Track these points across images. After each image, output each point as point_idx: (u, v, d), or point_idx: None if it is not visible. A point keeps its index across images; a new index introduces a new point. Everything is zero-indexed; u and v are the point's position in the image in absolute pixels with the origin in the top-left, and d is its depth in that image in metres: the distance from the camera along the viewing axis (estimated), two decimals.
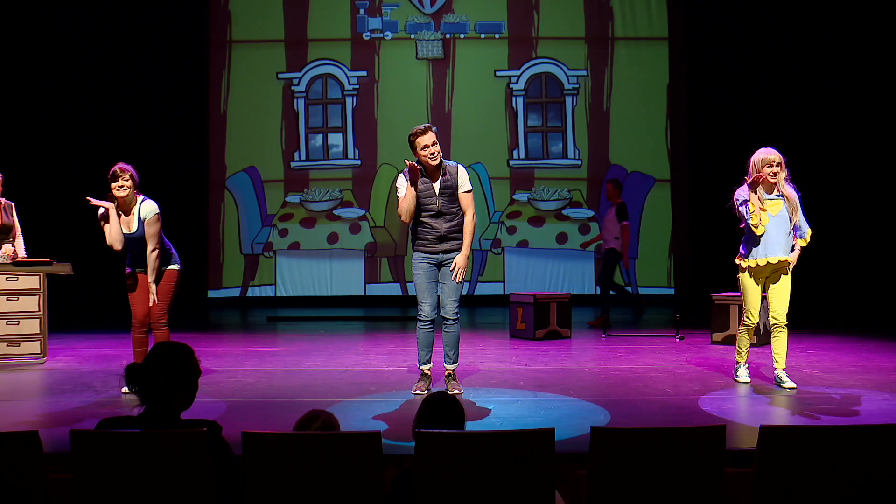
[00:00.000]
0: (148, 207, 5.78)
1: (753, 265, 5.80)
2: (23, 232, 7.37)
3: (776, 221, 5.70)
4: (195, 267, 12.34)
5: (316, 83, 12.93)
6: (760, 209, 5.65)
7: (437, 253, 5.66)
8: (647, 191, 12.75)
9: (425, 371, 5.78)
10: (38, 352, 7.16)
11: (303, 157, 12.90)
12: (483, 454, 2.81)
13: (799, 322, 9.40)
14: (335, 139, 12.96)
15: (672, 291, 12.65)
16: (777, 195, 5.73)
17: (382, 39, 12.79)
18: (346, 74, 12.90)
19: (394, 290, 12.72)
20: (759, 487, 2.89)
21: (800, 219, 5.81)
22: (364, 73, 12.88)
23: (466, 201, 5.68)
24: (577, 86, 12.87)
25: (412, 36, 12.76)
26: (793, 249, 5.85)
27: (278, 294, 12.76)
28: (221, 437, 2.95)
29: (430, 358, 5.78)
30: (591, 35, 12.85)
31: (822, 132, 11.75)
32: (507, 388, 5.91)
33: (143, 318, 5.88)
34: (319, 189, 12.85)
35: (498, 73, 12.88)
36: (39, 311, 7.16)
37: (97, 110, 12.05)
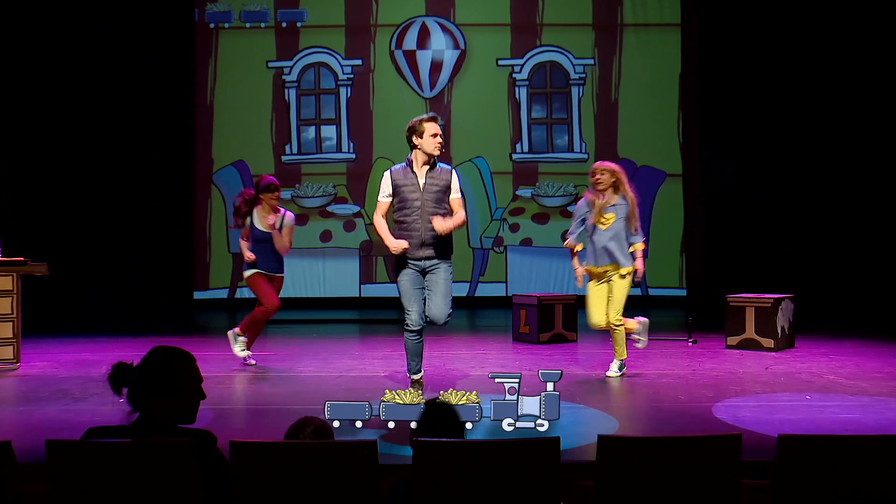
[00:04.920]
0: (290, 216, 7.62)
1: (586, 271, 6.61)
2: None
3: (605, 234, 6.40)
4: (180, 267, 12.36)
5: (308, 72, 12.91)
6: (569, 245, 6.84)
7: (419, 260, 5.71)
8: (657, 186, 12.73)
9: (416, 380, 5.88)
10: (11, 357, 7.09)
11: (294, 151, 12.88)
12: (484, 464, 2.80)
13: (818, 326, 9.40)
14: (328, 131, 12.93)
15: (684, 292, 12.64)
16: (611, 206, 6.38)
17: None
18: (339, 63, 12.88)
19: (390, 291, 12.63)
20: (776, 500, 2.88)
21: (635, 226, 6.44)
22: (359, 62, 12.86)
23: (456, 205, 5.78)
24: (583, 75, 12.85)
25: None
26: (634, 258, 6.45)
27: None
28: (216, 449, 2.93)
29: (421, 367, 5.93)
30: (598, 21, 12.83)
31: (846, 122, 11.71)
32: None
33: (276, 306, 7.41)
34: (312, 184, 12.83)
35: (500, 62, 12.87)
36: (12, 313, 7.08)
37: (76, 101, 11.99)
